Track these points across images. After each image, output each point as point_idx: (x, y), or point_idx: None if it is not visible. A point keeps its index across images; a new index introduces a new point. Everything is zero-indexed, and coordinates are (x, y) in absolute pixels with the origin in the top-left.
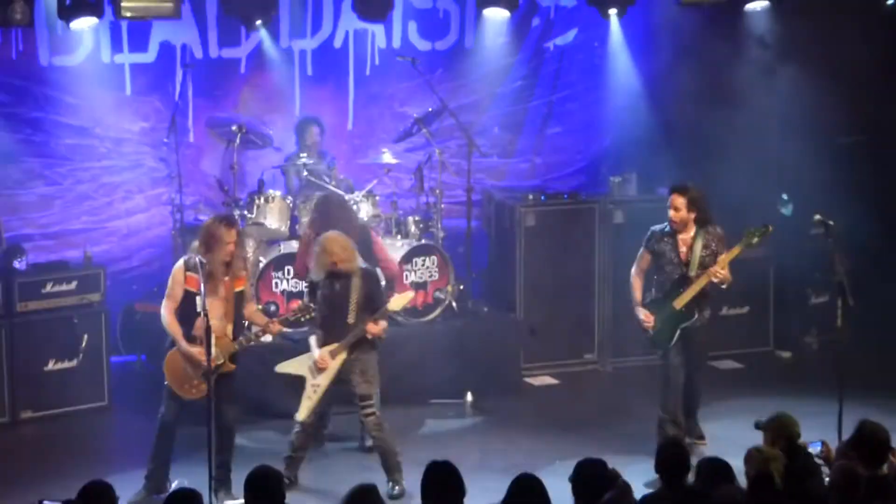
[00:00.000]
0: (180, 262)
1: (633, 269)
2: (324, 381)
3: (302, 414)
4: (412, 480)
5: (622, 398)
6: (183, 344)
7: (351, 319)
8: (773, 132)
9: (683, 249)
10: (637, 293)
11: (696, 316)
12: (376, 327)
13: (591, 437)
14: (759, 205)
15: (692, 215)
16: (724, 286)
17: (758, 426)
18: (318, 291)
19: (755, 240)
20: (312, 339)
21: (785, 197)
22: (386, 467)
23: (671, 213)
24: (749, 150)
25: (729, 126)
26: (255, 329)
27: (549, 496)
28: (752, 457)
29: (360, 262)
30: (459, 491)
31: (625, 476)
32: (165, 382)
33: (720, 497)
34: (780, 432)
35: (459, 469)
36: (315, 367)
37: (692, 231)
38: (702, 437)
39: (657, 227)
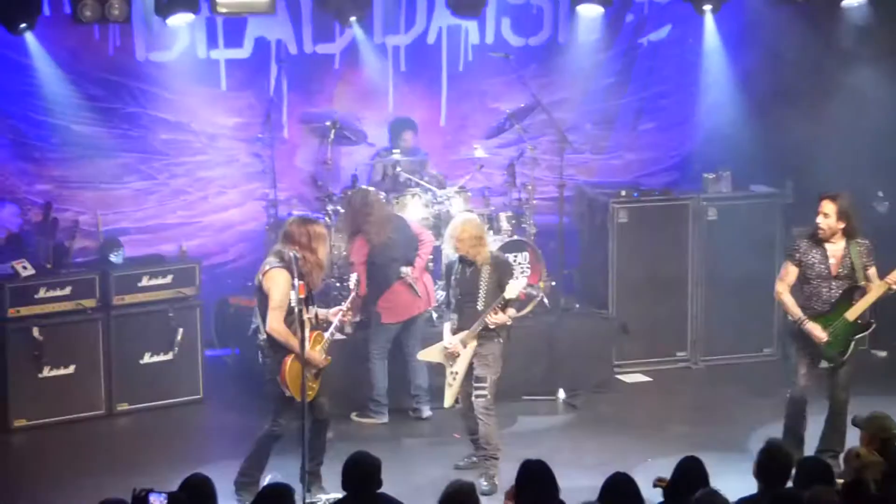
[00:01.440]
0: (283, 272)
1: (779, 286)
2: (460, 368)
3: (447, 401)
4: (505, 478)
5: (714, 396)
6: (305, 352)
7: (480, 306)
8: (869, 129)
9: (833, 261)
10: (795, 308)
11: (874, 325)
12: (497, 317)
13: (682, 436)
14: (854, 202)
15: (841, 225)
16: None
17: (854, 422)
18: (451, 276)
19: None
20: (446, 326)
21: (881, 194)
22: (483, 456)
23: (820, 218)
24: (844, 146)
25: (823, 122)
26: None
27: (641, 495)
28: (849, 460)
29: (486, 255)
30: (553, 488)
31: (716, 475)
32: (287, 395)
33: (811, 498)
34: (876, 431)
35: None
36: (450, 354)
37: (841, 242)
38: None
39: (802, 239)
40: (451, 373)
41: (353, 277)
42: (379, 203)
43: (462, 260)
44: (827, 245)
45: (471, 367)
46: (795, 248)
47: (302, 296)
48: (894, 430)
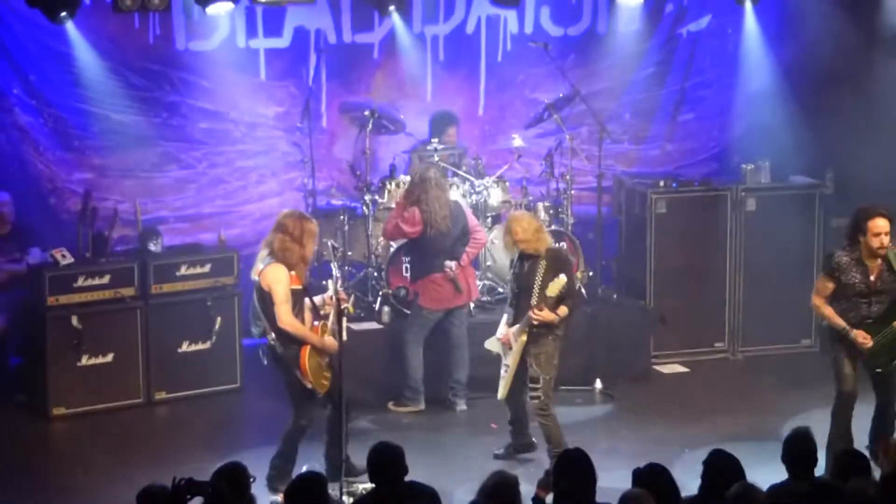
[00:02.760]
0: (279, 266)
1: (816, 300)
2: (511, 361)
3: (500, 393)
4: (538, 470)
5: (752, 387)
6: (319, 339)
7: (534, 300)
8: None
9: (872, 278)
10: (838, 319)
11: None
12: (542, 314)
13: (720, 426)
14: (894, 194)
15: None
16: None
17: None
18: (511, 270)
19: None
20: (503, 318)
21: None
22: (549, 455)
23: (876, 241)
24: (884, 137)
25: (863, 113)
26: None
27: (675, 483)
28: (889, 452)
29: (548, 243)
30: (591, 477)
31: (754, 466)
32: (308, 387)
33: (851, 490)
34: None
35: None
36: (505, 346)
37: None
38: None
39: (842, 256)
40: (504, 364)
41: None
42: (438, 181)
43: (521, 254)
44: (869, 262)
45: (524, 365)
46: (835, 266)
47: (299, 286)
48: None
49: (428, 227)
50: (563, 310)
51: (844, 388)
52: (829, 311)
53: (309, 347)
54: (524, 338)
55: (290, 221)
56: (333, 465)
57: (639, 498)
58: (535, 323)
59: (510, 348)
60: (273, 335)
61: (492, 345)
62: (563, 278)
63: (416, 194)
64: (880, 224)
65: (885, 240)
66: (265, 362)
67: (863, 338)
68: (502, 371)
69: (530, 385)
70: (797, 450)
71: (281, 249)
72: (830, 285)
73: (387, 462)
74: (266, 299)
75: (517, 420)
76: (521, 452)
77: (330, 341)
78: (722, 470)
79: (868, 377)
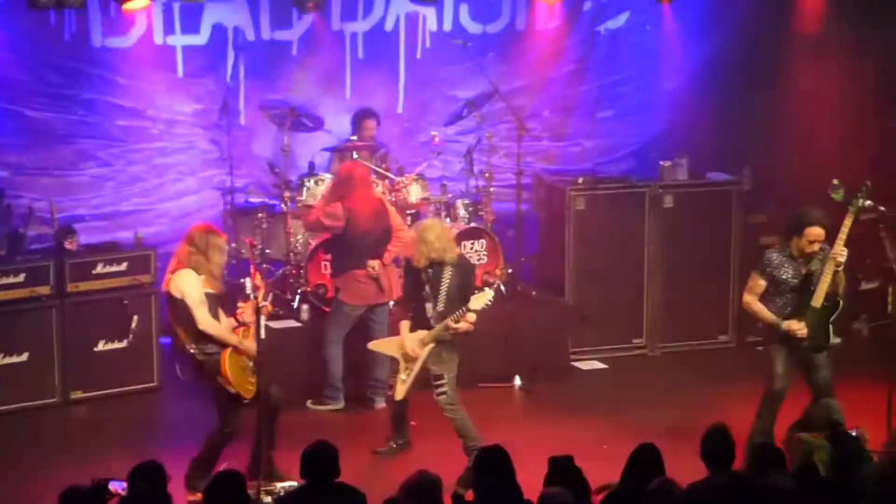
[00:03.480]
0: (187, 271)
1: (747, 297)
2: (415, 365)
3: (398, 394)
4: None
5: (670, 383)
6: (238, 340)
7: (441, 307)
8: (825, 116)
9: (804, 271)
10: (768, 314)
11: (841, 304)
12: (458, 324)
13: (638, 422)
14: (810, 190)
15: None
16: (841, 260)
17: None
18: (420, 277)
19: (861, 202)
20: (404, 324)
21: (836, 182)
22: (465, 450)
23: (814, 246)
24: (800, 134)
25: (780, 110)
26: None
27: (583, 477)
28: (793, 445)
29: (457, 250)
30: (511, 474)
31: (672, 461)
32: (232, 392)
33: (769, 486)
34: (823, 419)
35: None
36: (407, 353)
37: None
38: None
39: (773, 253)
40: (406, 368)
41: (257, 276)
42: (364, 179)
43: (428, 260)
44: (797, 258)
45: (423, 365)
46: (766, 262)
47: (258, 283)
48: (840, 416)
49: (348, 223)
50: (472, 317)
51: (774, 387)
52: (758, 306)
53: (229, 351)
54: (431, 346)
55: (196, 234)
56: (255, 463)
57: (559, 497)
58: (453, 332)
59: (413, 353)
60: (193, 344)
61: (384, 347)
62: (489, 293)
63: (341, 191)
64: (817, 232)
65: (817, 247)
66: (183, 378)
67: (796, 325)
68: (403, 374)
69: (435, 383)
70: (715, 445)
71: (187, 261)
72: (762, 282)
73: (321, 461)
74: (178, 307)
75: (400, 419)
76: (403, 449)
77: (251, 344)
78: (646, 463)
79: (802, 377)
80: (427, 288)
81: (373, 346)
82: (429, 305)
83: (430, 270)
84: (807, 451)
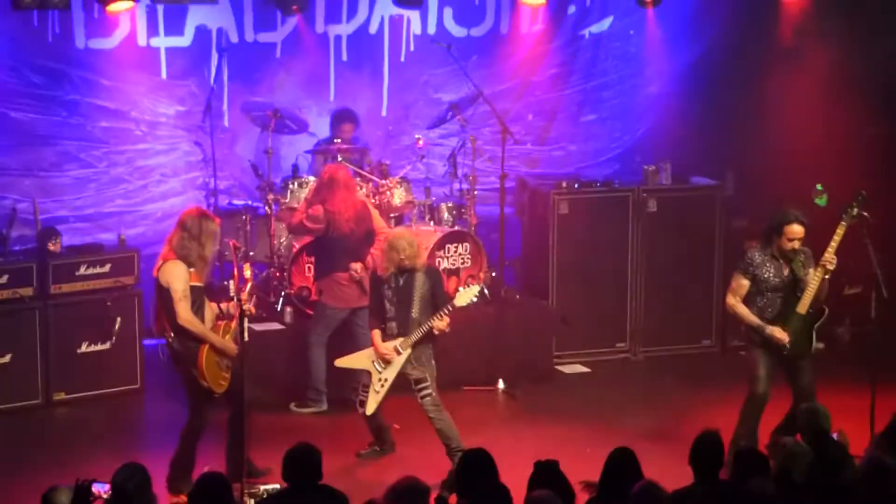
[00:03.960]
0: (178, 263)
1: (731, 299)
2: (390, 375)
3: (370, 408)
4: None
5: (653, 387)
6: (219, 339)
7: (415, 314)
8: (809, 121)
9: (786, 271)
10: (753, 317)
11: (826, 311)
12: (441, 322)
13: (621, 426)
14: (794, 195)
15: None
16: (831, 268)
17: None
18: (383, 287)
19: (855, 211)
20: (376, 334)
21: (819, 187)
22: (449, 453)
23: (795, 244)
24: (782, 139)
25: (763, 116)
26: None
27: (568, 482)
28: (775, 451)
29: (425, 258)
30: (494, 478)
31: (655, 466)
32: (205, 385)
33: (753, 492)
34: (809, 423)
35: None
36: (380, 361)
37: None
38: None
39: (755, 252)
40: (380, 379)
41: (247, 268)
42: (347, 182)
43: (397, 269)
44: (779, 258)
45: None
46: (749, 262)
47: (247, 275)
48: (826, 421)
49: (330, 226)
50: (448, 319)
51: (757, 390)
52: (742, 309)
53: (208, 346)
54: (409, 351)
55: (189, 219)
56: (236, 466)
57: (547, 500)
58: (437, 332)
59: (388, 363)
60: (172, 334)
61: (353, 362)
62: (475, 288)
63: (323, 193)
64: (796, 230)
65: (797, 245)
66: (163, 359)
67: (780, 333)
68: (376, 386)
69: (417, 387)
70: (705, 452)
71: (180, 247)
72: (745, 283)
73: (305, 463)
74: (165, 295)
75: (380, 428)
76: (386, 453)
77: (230, 344)
78: (623, 467)
79: (783, 380)
80: (388, 300)
81: (340, 363)
82: (390, 315)
83: (400, 279)
84: (786, 457)
